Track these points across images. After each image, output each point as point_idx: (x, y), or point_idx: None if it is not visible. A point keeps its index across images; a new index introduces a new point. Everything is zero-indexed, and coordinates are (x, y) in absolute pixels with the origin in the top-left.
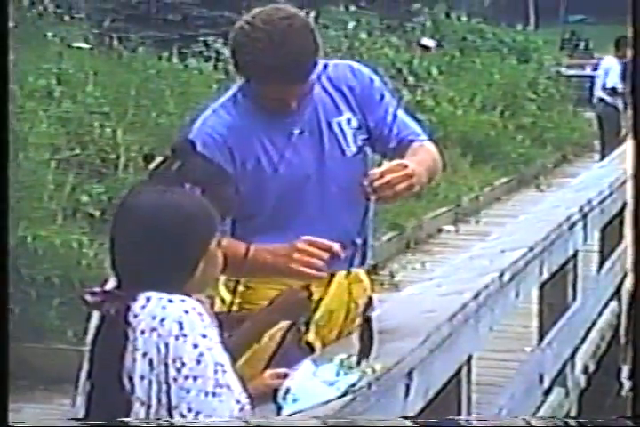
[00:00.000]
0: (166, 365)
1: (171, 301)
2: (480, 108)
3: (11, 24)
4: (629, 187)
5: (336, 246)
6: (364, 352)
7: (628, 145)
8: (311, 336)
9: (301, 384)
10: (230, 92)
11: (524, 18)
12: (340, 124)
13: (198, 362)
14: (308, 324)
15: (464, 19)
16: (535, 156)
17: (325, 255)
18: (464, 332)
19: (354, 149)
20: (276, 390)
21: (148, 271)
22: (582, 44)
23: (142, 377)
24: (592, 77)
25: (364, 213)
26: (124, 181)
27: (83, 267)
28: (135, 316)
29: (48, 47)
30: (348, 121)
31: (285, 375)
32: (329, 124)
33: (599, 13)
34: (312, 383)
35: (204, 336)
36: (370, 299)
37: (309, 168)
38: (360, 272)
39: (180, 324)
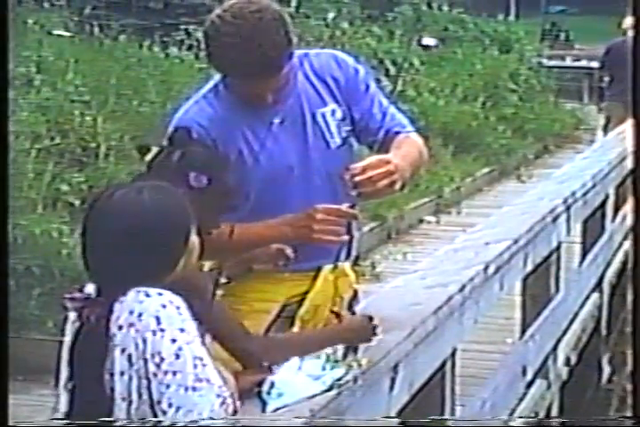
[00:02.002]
0: (145, 360)
1: (148, 295)
2: (461, 98)
3: None
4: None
5: (351, 211)
6: (350, 346)
7: (613, 134)
8: (296, 331)
9: (286, 379)
10: (212, 83)
11: (504, 8)
12: (324, 116)
13: (177, 357)
14: (293, 318)
15: (445, 8)
16: (516, 146)
17: (344, 221)
18: (449, 325)
19: (338, 140)
20: (260, 385)
21: (129, 273)
22: (563, 35)
23: (122, 373)
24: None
25: (351, 206)
26: (104, 170)
27: (63, 256)
28: (112, 311)
29: (28, 34)
30: (333, 112)
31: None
32: (313, 115)
33: (580, 4)
34: (297, 378)
35: (183, 330)
36: (355, 292)
37: (292, 159)
38: (346, 266)
39: (158, 318)
